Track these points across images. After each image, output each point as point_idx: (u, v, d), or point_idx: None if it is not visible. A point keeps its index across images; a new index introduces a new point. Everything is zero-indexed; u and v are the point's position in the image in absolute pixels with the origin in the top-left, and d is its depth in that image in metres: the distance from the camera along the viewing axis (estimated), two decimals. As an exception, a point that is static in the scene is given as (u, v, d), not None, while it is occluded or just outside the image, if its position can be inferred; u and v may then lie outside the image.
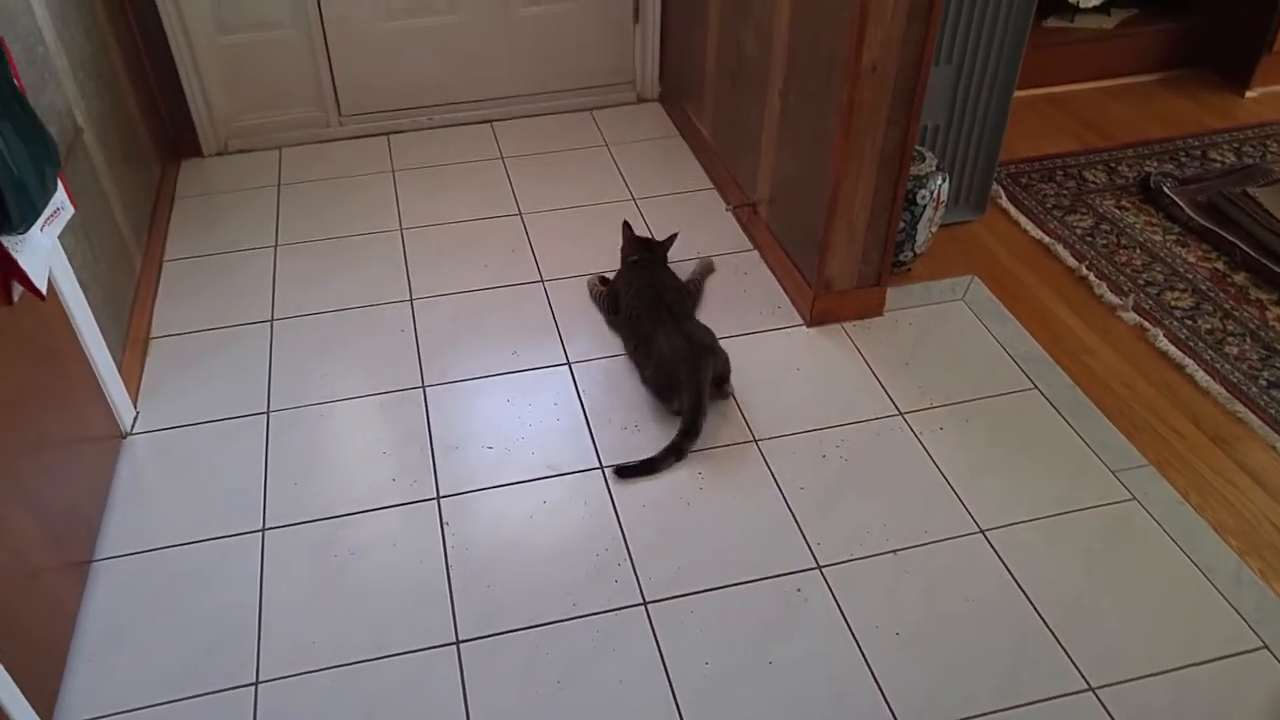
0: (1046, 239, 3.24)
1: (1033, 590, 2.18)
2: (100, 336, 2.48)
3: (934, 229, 3.03)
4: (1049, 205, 3.43)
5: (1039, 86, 4.08)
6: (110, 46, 3.13)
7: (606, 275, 3.05)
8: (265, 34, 3.64)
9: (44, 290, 2.04)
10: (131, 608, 2.17)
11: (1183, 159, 3.69)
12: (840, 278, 2.83)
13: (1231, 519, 2.34)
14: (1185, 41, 4.25)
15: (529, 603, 2.16)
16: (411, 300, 3.02)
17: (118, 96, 3.11)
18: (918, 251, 3.03)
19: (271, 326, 2.92)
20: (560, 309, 2.97)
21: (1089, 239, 3.26)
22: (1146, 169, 3.61)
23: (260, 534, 2.32)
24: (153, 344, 2.88)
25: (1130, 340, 2.86)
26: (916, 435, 2.55)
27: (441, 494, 2.41)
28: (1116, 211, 3.39)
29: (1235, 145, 3.77)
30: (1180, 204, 3.34)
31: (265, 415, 2.64)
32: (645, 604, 2.15)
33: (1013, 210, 3.39)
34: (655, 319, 2.70)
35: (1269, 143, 3.79)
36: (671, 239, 3.00)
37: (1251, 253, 3.11)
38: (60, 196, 2.10)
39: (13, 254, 1.93)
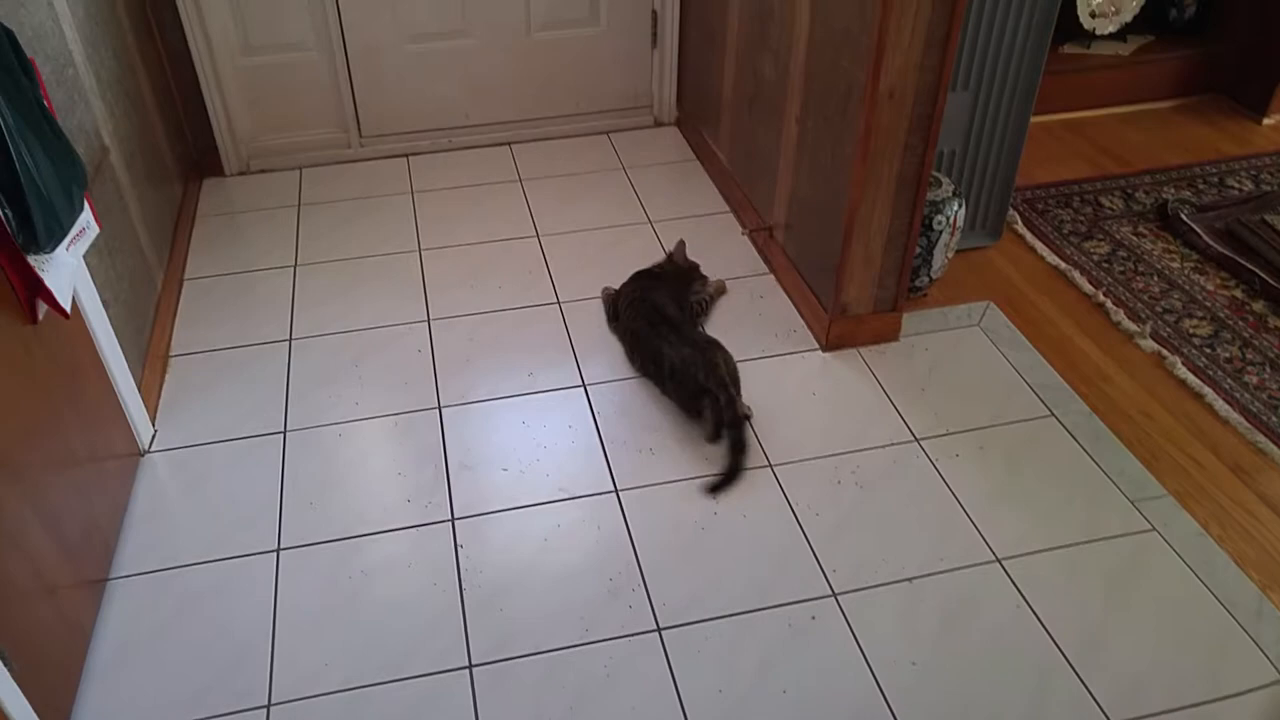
0: (1063, 265, 3.24)
1: (1050, 621, 2.16)
2: (121, 354, 2.49)
3: (950, 254, 3.03)
4: (1065, 231, 3.42)
5: (1055, 112, 4.08)
6: (137, 67, 3.15)
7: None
8: (288, 56, 3.67)
9: (68, 308, 2.06)
10: (146, 626, 2.17)
11: (1200, 186, 3.68)
12: (856, 303, 2.83)
13: (1253, 551, 2.33)
14: (1202, 68, 4.24)
15: (542, 627, 2.16)
16: (429, 321, 3.03)
17: (143, 117, 3.14)
18: (934, 277, 3.03)
19: (290, 346, 2.94)
20: (576, 331, 2.98)
21: (1106, 265, 3.25)
22: (1164, 195, 3.61)
23: (275, 554, 2.33)
24: (172, 362, 2.89)
25: (1148, 368, 2.85)
26: (932, 462, 2.55)
27: (456, 516, 2.41)
28: (1134, 238, 3.39)
29: (1253, 172, 3.76)
30: (1198, 231, 3.33)
31: (282, 434, 2.65)
32: (659, 630, 2.15)
33: (1029, 236, 3.39)
34: (658, 334, 2.72)
35: (1287, 170, 3.79)
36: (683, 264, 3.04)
37: (1270, 281, 3.10)
38: (86, 216, 2.12)
39: (39, 272, 1.95)
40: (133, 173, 2.91)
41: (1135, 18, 4.11)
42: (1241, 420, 2.66)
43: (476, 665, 2.08)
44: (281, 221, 3.54)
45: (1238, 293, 3.12)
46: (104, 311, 2.42)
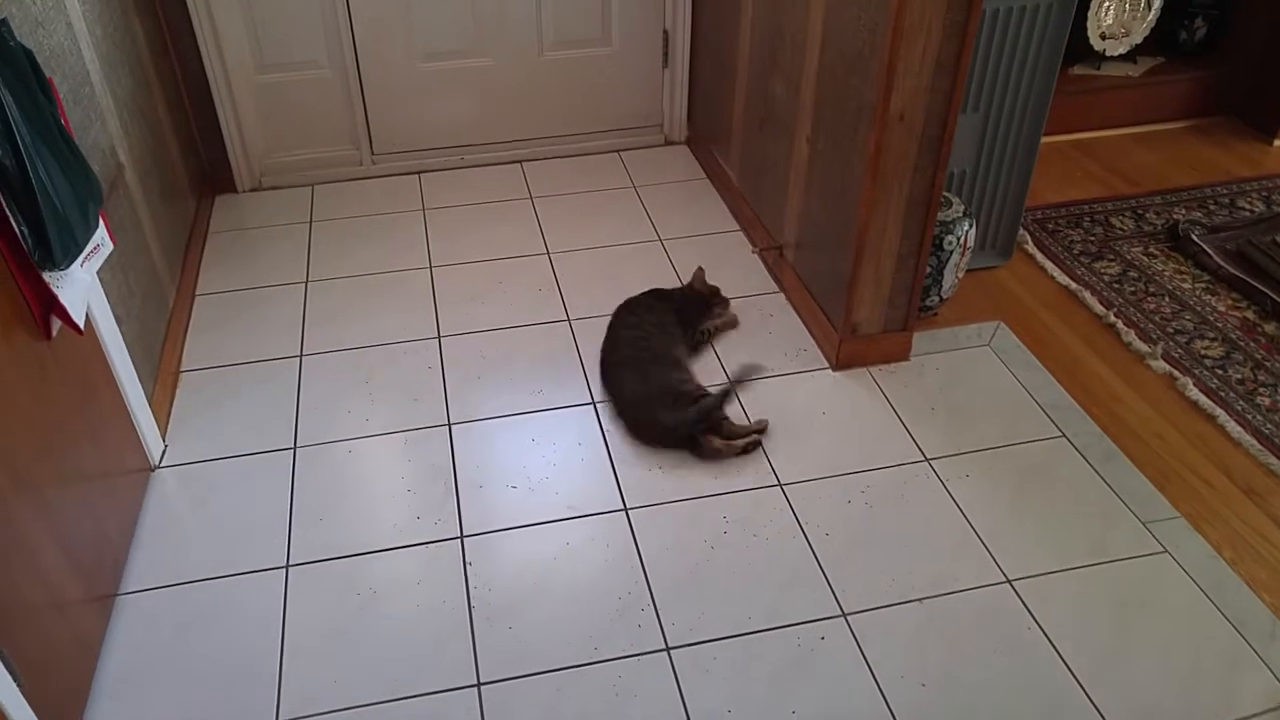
0: (1073, 285, 3.24)
1: (1061, 643, 2.16)
2: (133, 370, 2.50)
3: (961, 274, 3.03)
4: (1076, 251, 3.42)
5: (1066, 133, 4.09)
6: (152, 86, 3.17)
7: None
8: (302, 74, 3.69)
9: (82, 324, 2.07)
10: (154, 642, 2.17)
11: (1211, 207, 3.68)
12: (866, 322, 2.83)
13: (1264, 574, 2.31)
14: (1213, 89, 4.25)
15: (551, 645, 2.15)
16: (439, 338, 3.03)
17: (158, 134, 3.16)
18: (944, 297, 3.03)
19: (300, 362, 2.94)
20: (586, 349, 2.98)
21: (1117, 286, 3.25)
22: (1175, 216, 3.61)
23: (284, 570, 2.33)
24: (183, 377, 2.90)
25: (1159, 389, 2.85)
26: (943, 482, 2.54)
27: (465, 533, 2.41)
28: (1144, 259, 3.39)
29: (1264, 194, 3.76)
30: (1209, 252, 3.33)
31: (292, 451, 2.65)
32: (668, 649, 2.14)
33: (1039, 256, 3.39)
34: (619, 360, 2.79)
35: (1298, 192, 3.78)
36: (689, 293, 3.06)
37: (1282, 302, 3.10)
38: (101, 233, 2.13)
39: (54, 289, 1.96)
40: (147, 190, 2.92)
41: (1145, 39, 4.11)
42: (1254, 442, 2.65)
43: (485, 684, 2.08)
44: (293, 238, 3.55)
45: (1249, 314, 3.12)
46: (117, 327, 2.43)
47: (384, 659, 2.13)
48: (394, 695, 2.06)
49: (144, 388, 2.57)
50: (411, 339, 3.03)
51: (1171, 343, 3.00)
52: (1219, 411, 2.74)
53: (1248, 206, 3.68)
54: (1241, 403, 2.78)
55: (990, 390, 2.83)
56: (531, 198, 3.79)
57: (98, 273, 2.22)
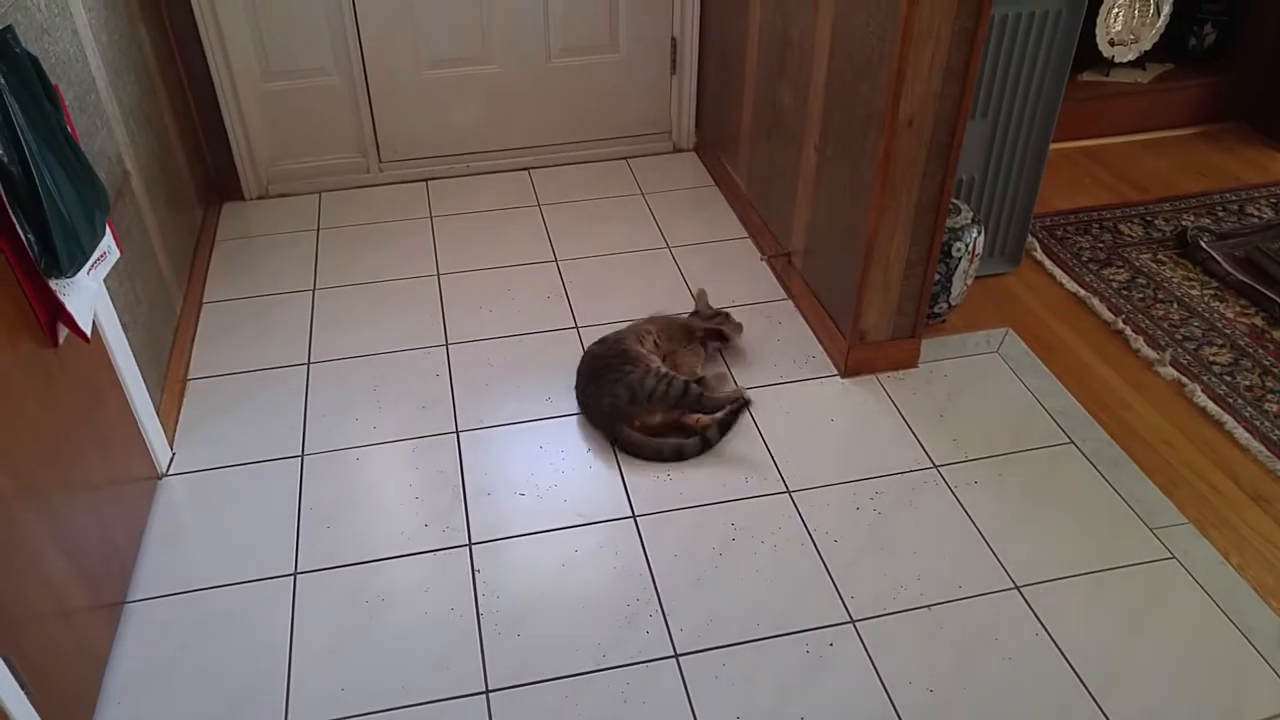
0: (1082, 292, 3.23)
1: (1070, 649, 2.15)
2: (140, 378, 2.50)
3: (969, 281, 3.03)
4: (1084, 258, 3.42)
5: (1075, 139, 4.09)
6: (159, 93, 3.18)
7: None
8: (308, 81, 3.69)
9: (89, 332, 2.07)
10: (162, 651, 2.17)
11: (1219, 213, 3.67)
12: (875, 329, 2.83)
13: (1273, 580, 2.31)
14: (1221, 96, 4.25)
15: (559, 653, 2.15)
16: (447, 345, 3.03)
17: (164, 142, 3.16)
18: (953, 303, 3.03)
19: (308, 370, 2.94)
20: (594, 356, 2.98)
21: (1125, 292, 3.24)
22: (1183, 223, 3.60)
23: (292, 578, 2.33)
24: (190, 385, 2.90)
25: (1168, 396, 2.84)
26: (951, 489, 2.54)
27: (473, 541, 2.41)
28: (1153, 265, 3.38)
29: (1273, 200, 3.76)
30: (1217, 258, 3.32)
31: (299, 458, 2.65)
32: (676, 656, 2.14)
33: (1048, 263, 3.39)
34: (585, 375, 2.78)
35: (1307, 198, 3.78)
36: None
37: (1290, 309, 3.10)
38: (107, 240, 2.13)
39: (60, 296, 1.96)
40: (153, 197, 2.93)
41: (1154, 46, 4.11)
42: (1262, 448, 2.64)
43: (493, 690, 2.08)
44: (300, 246, 3.55)
45: (1258, 320, 3.11)
46: (124, 335, 2.43)
47: (392, 666, 2.13)
48: (402, 703, 2.06)
49: (151, 395, 2.57)
50: (419, 346, 3.04)
51: (1180, 349, 2.99)
52: (1227, 418, 2.74)
53: (1256, 213, 3.67)
54: (1250, 409, 2.77)
55: (999, 397, 2.83)
56: (539, 205, 3.79)
57: (104, 280, 2.22)
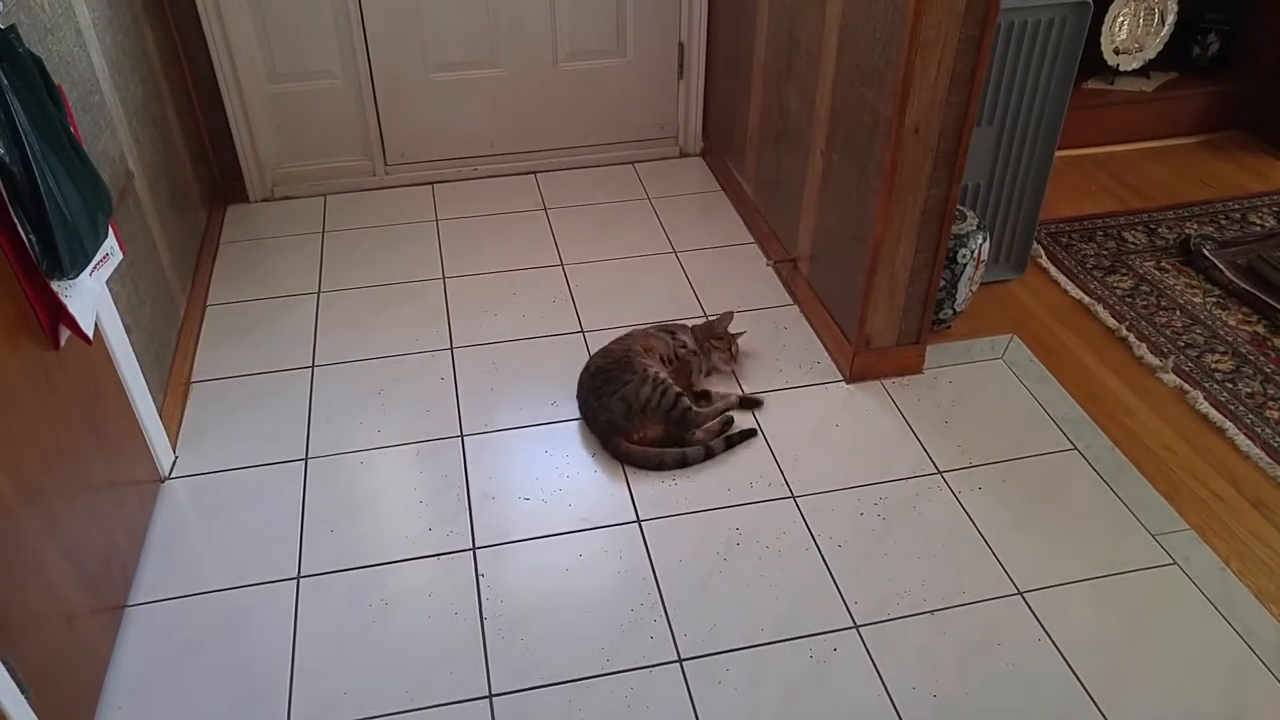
0: (1086, 299, 3.23)
1: (1072, 654, 2.15)
2: (143, 380, 2.50)
3: (974, 287, 3.03)
4: (1089, 265, 3.42)
5: (1079, 147, 4.09)
6: (163, 94, 3.18)
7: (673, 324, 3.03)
8: (314, 83, 3.70)
9: (91, 334, 2.07)
10: (164, 654, 2.17)
11: (1223, 221, 3.67)
12: (880, 335, 2.83)
13: (1273, 586, 2.31)
14: (1225, 105, 4.25)
15: (563, 657, 2.15)
16: (452, 349, 3.03)
17: (169, 143, 3.16)
18: (958, 310, 3.03)
19: (312, 373, 2.94)
20: (599, 361, 2.98)
21: (1129, 300, 3.24)
22: (1186, 231, 3.60)
23: (295, 581, 2.33)
24: (193, 388, 2.90)
25: (1170, 402, 2.84)
26: (955, 495, 2.54)
27: (477, 545, 2.41)
28: (1156, 273, 3.38)
29: (1275, 209, 3.76)
30: (1220, 266, 3.32)
31: (303, 462, 2.65)
32: (680, 661, 2.14)
33: (1053, 270, 3.39)
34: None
35: (1310, 207, 3.78)
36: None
37: (1293, 317, 3.10)
38: (110, 242, 2.13)
39: (62, 298, 1.96)
40: (157, 199, 2.93)
41: (1158, 54, 4.12)
42: (1263, 455, 2.64)
43: (497, 695, 2.08)
44: (305, 248, 3.56)
45: (1260, 328, 3.11)
46: (126, 337, 2.43)
47: (396, 670, 2.12)
48: (406, 707, 2.05)
49: (154, 398, 2.57)
50: (424, 350, 3.04)
51: (1182, 356, 2.99)
52: (1229, 425, 2.74)
53: (1259, 221, 3.68)
54: (1251, 416, 2.77)
55: (1003, 403, 2.83)
56: (546, 209, 3.80)
57: (107, 282, 2.22)
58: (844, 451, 2.67)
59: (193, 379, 2.93)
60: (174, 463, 2.64)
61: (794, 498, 2.53)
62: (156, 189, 2.94)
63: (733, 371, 2.93)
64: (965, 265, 2.91)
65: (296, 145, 3.81)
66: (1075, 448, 2.68)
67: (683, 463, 2.61)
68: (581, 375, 2.80)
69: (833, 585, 2.30)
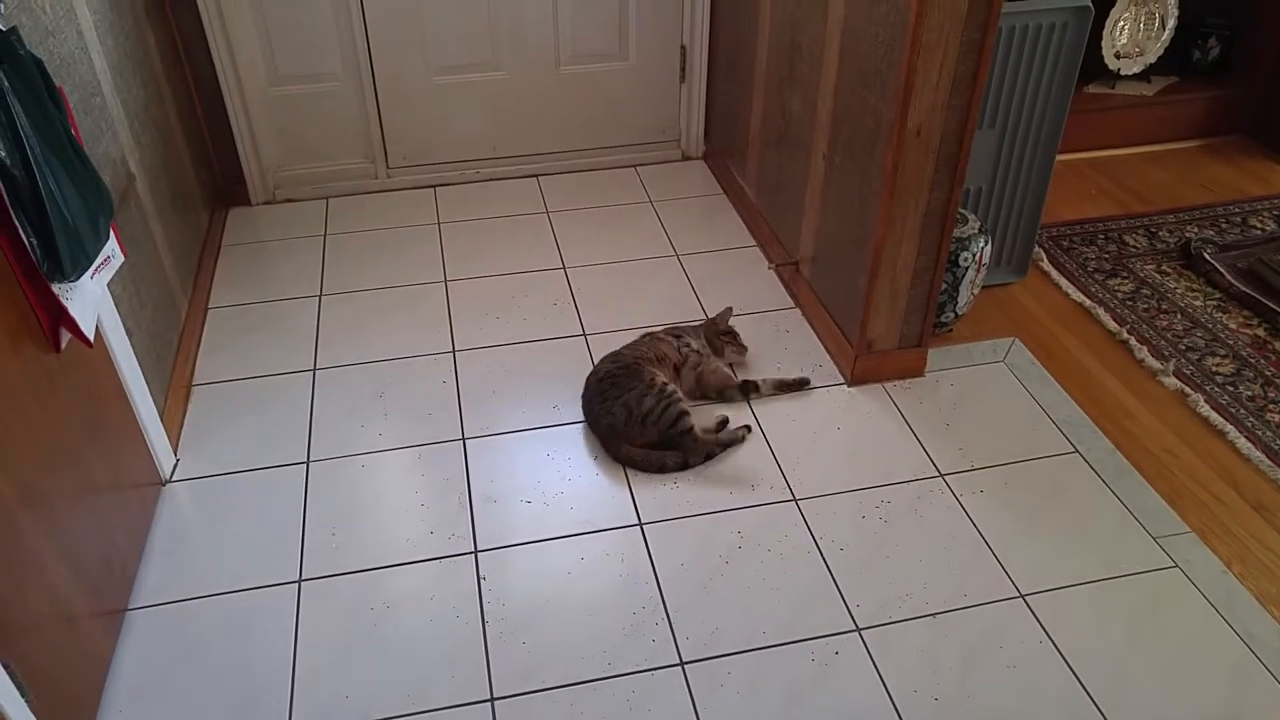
0: (1087, 302, 3.24)
1: (1074, 657, 2.15)
2: (144, 383, 2.50)
3: (976, 290, 3.03)
4: (1090, 269, 3.42)
5: (1081, 151, 4.09)
6: (165, 96, 3.18)
7: (682, 326, 3.03)
8: (316, 86, 3.70)
9: (91, 337, 2.07)
10: (165, 658, 2.17)
11: (1223, 225, 3.68)
12: (882, 338, 2.83)
13: (1274, 588, 2.31)
14: (1226, 109, 4.25)
15: (565, 660, 2.15)
16: (454, 352, 3.03)
17: (170, 145, 3.16)
18: (959, 313, 3.03)
19: (314, 376, 2.94)
20: (601, 364, 2.98)
21: (1130, 303, 3.25)
22: (1187, 234, 3.60)
23: (296, 585, 2.33)
24: (195, 391, 2.90)
25: (1171, 405, 2.84)
26: (957, 497, 2.54)
27: (479, 548, 2.41)
28: (1157, 276, 3.38)
29: (1275, 212, 3.76)
30: (1221, 270, 3.32)
31: (305, 465, 2.65)
32: (682, 664, 2.14)
33: (1054, 273, 3.39)
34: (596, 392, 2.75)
35: (1311, 211, 3.78)
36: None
37: (1294, 320, 3.10)
38: (111, 244, 2.13)
39: (63, 300, 1.95)
40: (158, 201, 2.93)
41: (1159, 59, 4.13)
42: (1263, 458, 2.65)
43: (498, 698, 2.07)
44: (307, 251, 3.56)
45: (1260, 331, 3.11)
46: (127, 340, 2.43)
47: (397, 674, 2.12)
48: (407, 710, 2.05)
49: (155, 401, 2.57)
50: (426, 353, 3.04)
51: (1183, 359, 2.99)
52: (1229, 428, 2.74)
53: (1259, 225, 3.68)
54: (1252, 419, 2.77)
55: (1004, 406, 2.83)
56: (548, 212, 3.80)
57: (108, 285, 2.22)
58: (845, 454, 2.67)
59: (194, 382, 2.93)
60: (175, 465, 2.64)
61: (795, 501, 2.53)
62: (158, 191, 2.94)
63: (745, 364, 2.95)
64: (967, 268, 2.91)
65: (298, 148, 3.81)
66: (1076, 450, 2.68)
67: (684, 465, 2.61)
68: (589, 378, 2.79)
69: (834, 588, 2.30)
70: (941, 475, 2.61)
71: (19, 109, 1.77)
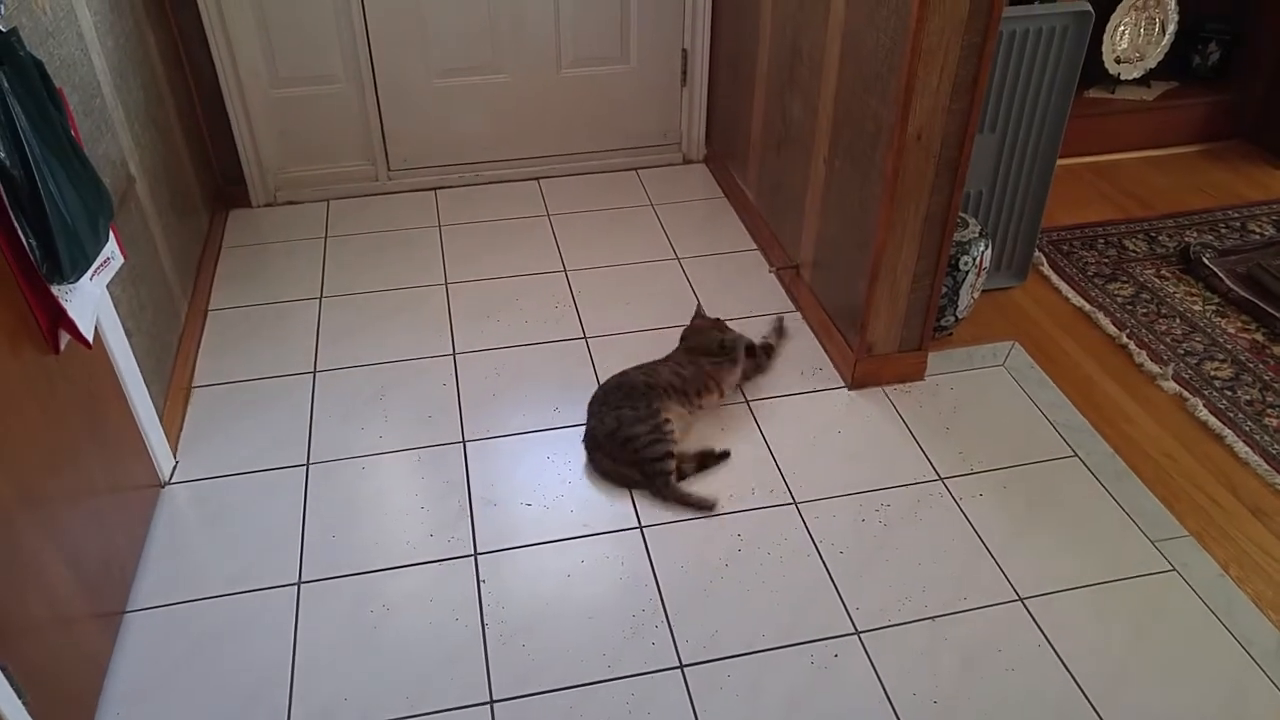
0: (1087, 306, 3.24)
1: (1072, 660, 2.15)
2: (143, 385, 2.50)
3: (976, 294, 3.03)
4: (1090, 273, 3.42)
5: (1081, 155, 4.10)
6: (165, 98, 3.18)
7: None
8: (317, 88, 3.70)
9: (90, 338, 2.06)
10: (163, 660, 2.16)
11: (1222, 230, 3.68)
12: (882, 341, 2.83)
13: (1271, 592, 2.31)
14: (1225, 114, 4.26)
15: (564, 663, 2.15)
16: (454, 355, 3.03)
17: (171, 147, 3.16)
18: (960, 317, 3.03)
19: (314, 378, 2.94)
20: (603, 366, 2.98)
21: (1129, 307, 3.25)
22: (1186, 239, 3.61)
23: (296, 587, 2.32)
24: (194, 393, 2.90)
25: (1170, 409, 2.85)
26: (956, 501, 2.54)
27: (479, 551, 2.41)
28: (1156, 281, 3.39)
29: (1274, 218, 3.76)
30: (1219, 275, 3.33)
31: (305, 467, 2.65)
32: (681, 667, 2.14)
33: (1054, 277, 3.39)
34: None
35: (1309, 216, 3.79)
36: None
37: (1292, 325, 3.10)
38: (111, 246, 2.13)
39: (62, 302, 1.95)
40: (158, 203, 2.93)
41: (1159, 64, 4.13)
42: (1261, 462, 2.65)
43: (498, 701, 2.07)
44: (308, 254, 3.56)
45: (1258, 336, 3.12)
46: (126, 341, 2.43)
47: (396, 676, 2.12)
48: (407, 713, 2.05)
49: (155, 403, 2.57)
50: (426, 356, 3.04)
51: (1182, 364, 3.00)
52: (1227, 432, 2.74)
53: (1258, 230, 3.68)
54: (1250, 423, 2.78)
55: (1004, 410, 2.83)
56: (549, 215, 3.80)
57: (108, 286, 2.22)
58: (845, 458, 2.67)
59: (194, 384, 2.93)
60: (174, 467, 2.64)
61: (796, 504, 2.53)
62: (158, 193, 2.94)
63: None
64: (967, 272, 2.91)
65: (299, 150, 3.81)
66: (1076, 454, 2.68)
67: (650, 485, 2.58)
68: (608, 380, 2.78)
69: (834, 591, 2.30)
70: (941, 479, 2.61)
71: (19, 110, 1.77)
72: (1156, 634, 2.22)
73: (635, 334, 3.06)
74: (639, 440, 2.56)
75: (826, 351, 3.03)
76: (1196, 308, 3.25)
